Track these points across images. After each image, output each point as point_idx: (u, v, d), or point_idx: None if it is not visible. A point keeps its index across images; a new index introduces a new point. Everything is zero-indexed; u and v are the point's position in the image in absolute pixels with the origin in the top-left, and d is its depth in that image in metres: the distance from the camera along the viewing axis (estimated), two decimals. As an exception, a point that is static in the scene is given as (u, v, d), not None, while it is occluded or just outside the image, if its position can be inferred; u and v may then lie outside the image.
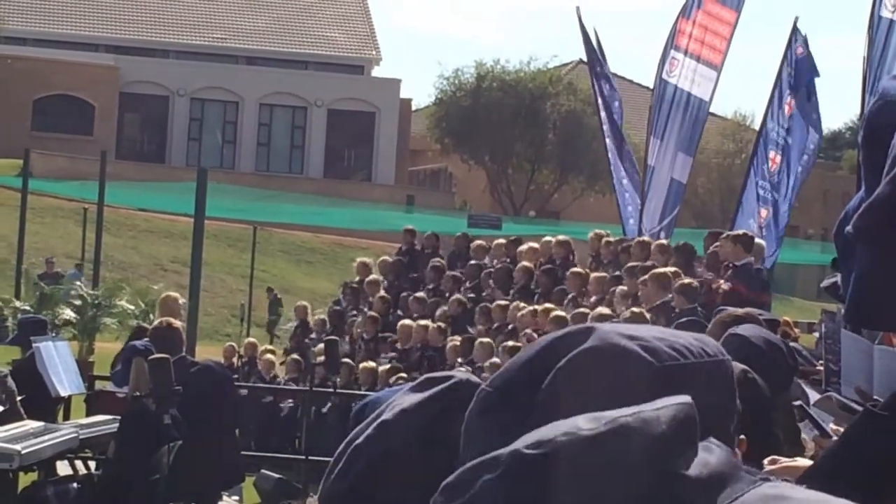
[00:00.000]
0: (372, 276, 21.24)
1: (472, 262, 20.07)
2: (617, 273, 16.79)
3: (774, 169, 20.49)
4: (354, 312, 20.76)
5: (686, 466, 1.50)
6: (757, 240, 15.68)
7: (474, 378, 2.08)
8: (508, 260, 19.40)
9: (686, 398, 1.53)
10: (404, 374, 16.92)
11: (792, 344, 8.83)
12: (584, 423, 1.49)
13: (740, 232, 16.17)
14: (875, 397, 4.23)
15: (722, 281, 14.53)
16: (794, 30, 20.89)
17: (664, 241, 17.91)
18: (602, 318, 14.27)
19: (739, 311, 6.10)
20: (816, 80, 21.08)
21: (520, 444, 1.50)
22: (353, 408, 2.33)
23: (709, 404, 1.61)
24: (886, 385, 4.47)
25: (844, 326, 4.98)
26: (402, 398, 2.07)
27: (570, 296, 17.04)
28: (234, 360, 21.67)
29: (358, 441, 2.05)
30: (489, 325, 17.72)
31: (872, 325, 3.30)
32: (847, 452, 2.44)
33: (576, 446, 1.47)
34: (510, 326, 17.18)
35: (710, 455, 1.54)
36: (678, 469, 1.49)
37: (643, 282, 15.23)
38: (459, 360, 16.95)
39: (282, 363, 21.13)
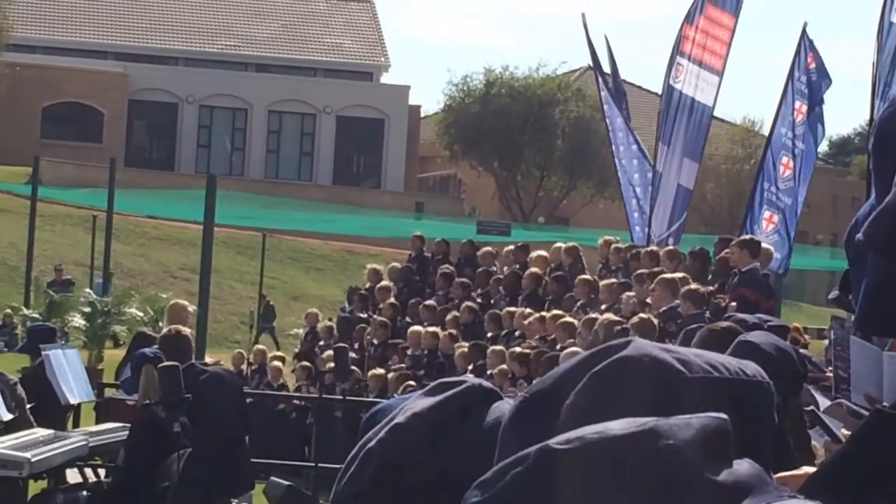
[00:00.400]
0: (383, 283, 21.26)
1: (482, 268, 20.07)
2: (626, 280, 16.77)
3: (787, 175, 20.43)
4: (364, 315, 20.78)
5: (713, 473, 1.52)
6: (764, 244, 15.66)
7: (486, 383, 2.09)
8: (518, 266, 19.39)
9: (723, 415, 1.56)
10: (412, 383, 16.90)
11: (801, 351, 8.83)
12: (615, 425, 1.53)
13: (747, 237, 16.18)
14: (884, 404, 4.22)
15: (727, 298, 14.59)
16: (804, 35, 20.84)
17: (672, 248, 17.89)
18: (611, 324, 14.27)
19: (718, 326, 6.18)
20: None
21: (551, 441, 1.53)
22: (364, 415, 2.33)
23: (743, 423, 1.63)
24: (895, 391, 4.46)
25: (854, 333, 4.98)
26: (415, 402, 2.08)
27: (579, 303, 17.03)
28: (244, 367, 21.68)
29: (370, 444, 2.06)
30: (498, 331, 17.71)
31: (883, 332, 3.30)
32: (857, 452, 2.44)
33: (605, 444, 1.51)
34: (518, 333, 17.17)
35: (738, 466, 1.56)
36: (703, 473, 1.52)
37: (652, 288, 15.24)
38: (469, 366, 16.94)
39: (292, 371, 21.14)
